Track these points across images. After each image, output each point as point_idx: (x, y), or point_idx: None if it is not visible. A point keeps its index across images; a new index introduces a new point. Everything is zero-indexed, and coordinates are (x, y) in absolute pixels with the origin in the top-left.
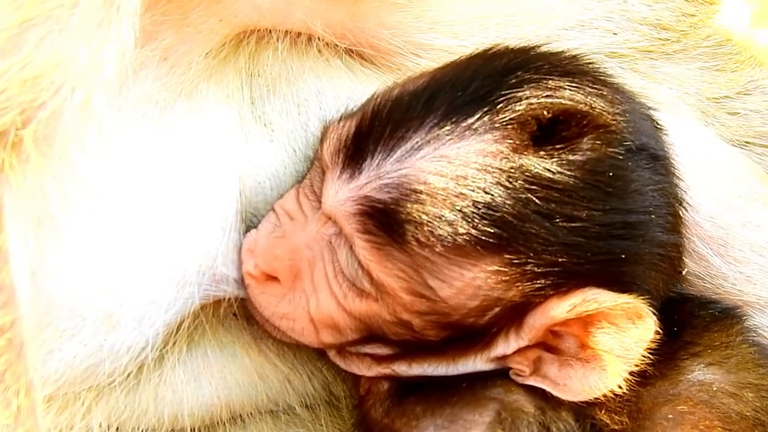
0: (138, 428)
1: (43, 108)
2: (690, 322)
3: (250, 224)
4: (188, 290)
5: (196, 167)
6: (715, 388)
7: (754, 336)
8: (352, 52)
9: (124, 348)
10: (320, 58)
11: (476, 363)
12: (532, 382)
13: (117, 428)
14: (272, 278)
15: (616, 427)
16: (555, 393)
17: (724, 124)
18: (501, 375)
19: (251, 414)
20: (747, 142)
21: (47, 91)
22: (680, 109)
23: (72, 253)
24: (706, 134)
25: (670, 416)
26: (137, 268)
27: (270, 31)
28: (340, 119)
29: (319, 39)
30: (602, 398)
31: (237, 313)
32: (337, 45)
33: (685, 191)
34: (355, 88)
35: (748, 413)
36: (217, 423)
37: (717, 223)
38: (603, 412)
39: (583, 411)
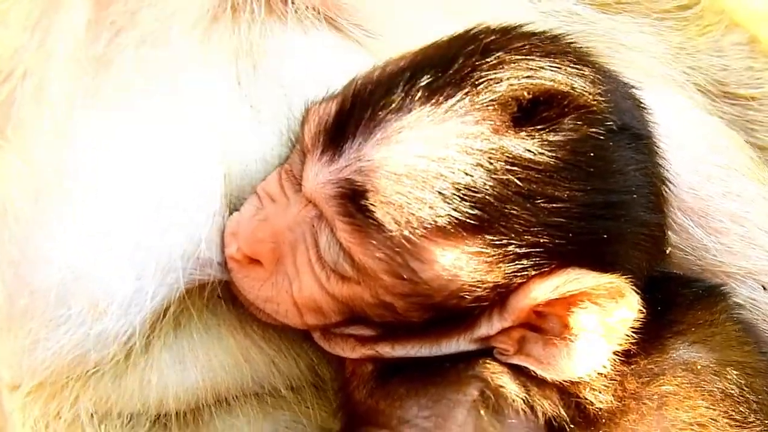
0: (123, 413)
1: None
2: (674, 300)
3: (235, 208)
4: (173, 275)
5: (179, 151)
6: (699, 367)
7: (739, 313)
8: (336, 27)
9: (111, 336)
10: (304, 36)
11: (460, 344)
12: (517, 361)
13: (103, 414)
14: (255, 261)
15: (601, 407)
16: (539, 372)
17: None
18: (485, 354)
19: (236, 397)
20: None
21: None
22: (658, 78)
23: (56, 243)
24: (683, 104)
25: (654, 396)
26: (122, 256)
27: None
28: (321, 101)
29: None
30: (587, 378)
31: (222, 296)
32: (319, 13)
33: (667, 168)
34: (341, 66)
35: (732, 391)
36: (203, 406)
37: (698, 195)
38: (588, 391)
39: (567, 390)
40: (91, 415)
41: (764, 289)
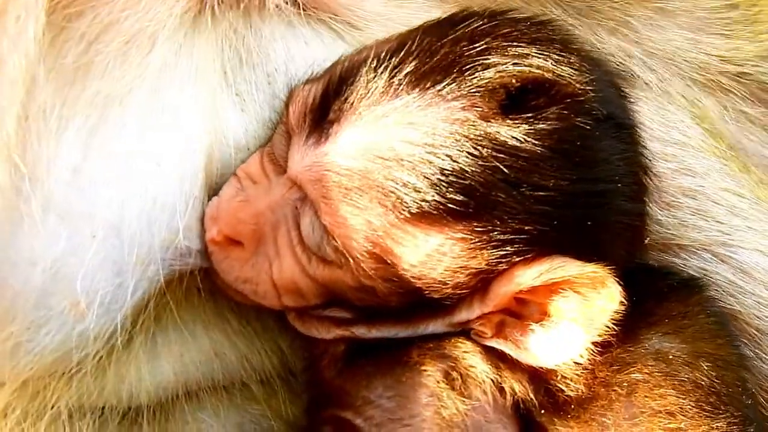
0: (98, 407)
1: None
2: (648, 291)
3: (214, 194)
4: (153, 268)
5: (160, 145)
6: (671, 357)
7: (714, 306)
8: (319, 19)
9: (92, 335)
10: (288, 25)
11: (437, 327)
12: (494, 343)
13: (78, 411)
14: (236, 242)
15: (571, 394)
16: (515, 356)
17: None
18: (456, 333)
19: (207, 390)
20: None
21: None
22: None
23: (34, 244)
24: None
25: (624, 383)
26: (102, 252)
27: None
28: (306, 82)
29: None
30: (562, 365)
31: (201, 288)
32: (299, 7)
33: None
34: (324, 56)
35: (703, 383)
36: (173, 399)
37: (652, 170)
38: (560, 378)
39: (539, 376)
40: (70, 414)
41: None
